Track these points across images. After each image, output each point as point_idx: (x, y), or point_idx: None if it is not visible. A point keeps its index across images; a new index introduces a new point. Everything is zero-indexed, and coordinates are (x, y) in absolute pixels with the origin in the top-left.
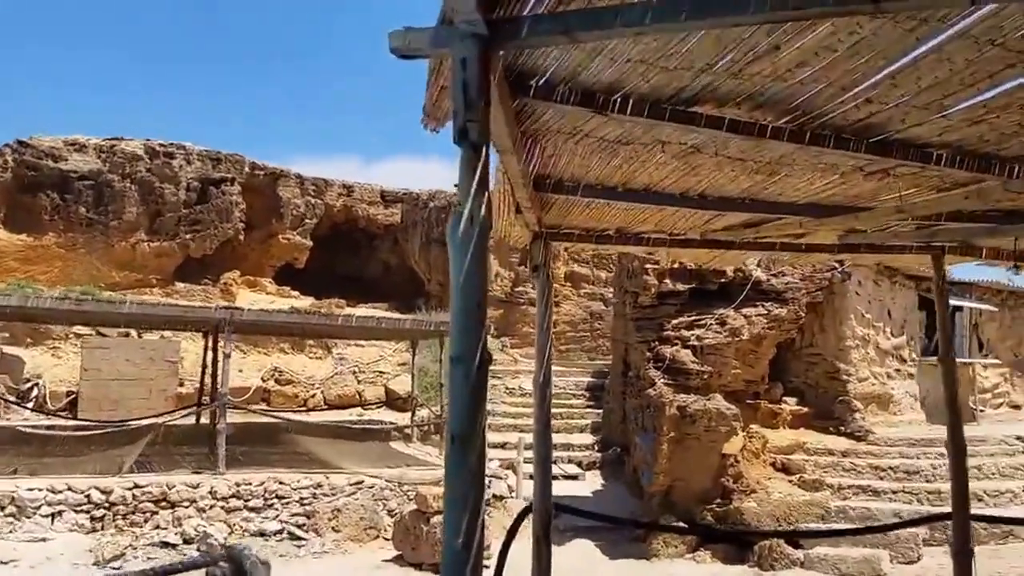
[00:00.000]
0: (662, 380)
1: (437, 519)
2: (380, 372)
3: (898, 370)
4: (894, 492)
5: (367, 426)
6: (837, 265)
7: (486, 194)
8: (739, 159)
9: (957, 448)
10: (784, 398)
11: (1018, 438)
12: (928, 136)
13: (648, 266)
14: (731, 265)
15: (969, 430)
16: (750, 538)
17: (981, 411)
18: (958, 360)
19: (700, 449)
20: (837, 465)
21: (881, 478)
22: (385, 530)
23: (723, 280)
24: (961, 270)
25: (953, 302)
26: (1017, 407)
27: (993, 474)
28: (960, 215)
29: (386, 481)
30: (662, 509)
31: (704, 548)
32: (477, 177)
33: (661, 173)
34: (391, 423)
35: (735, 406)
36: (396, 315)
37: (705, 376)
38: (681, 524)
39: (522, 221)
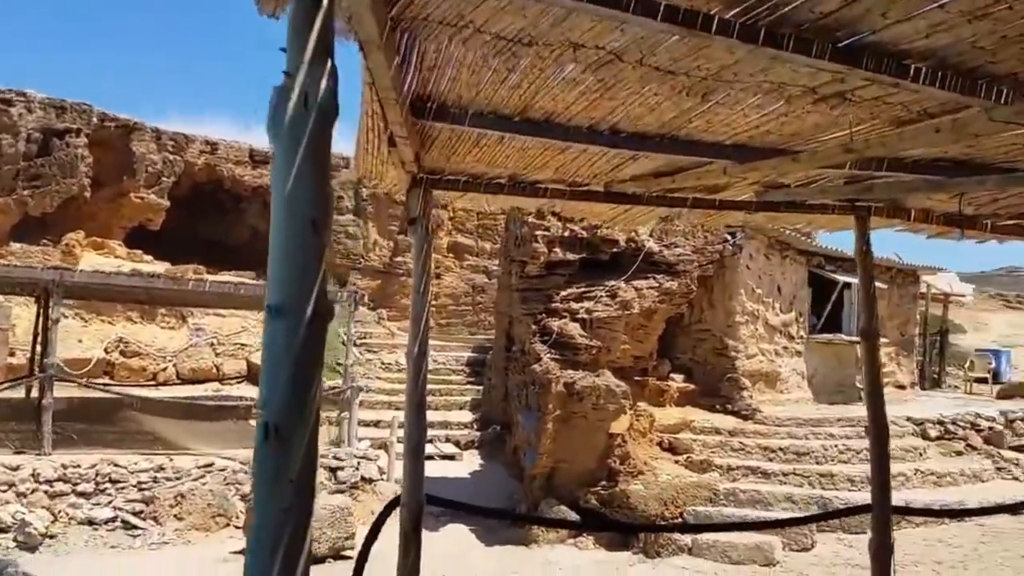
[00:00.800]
0: (549, 355)
1: None
2: (242, 344)
3: (786, 347)
4: (784, 474)
5: (224, 403)
6: (729, 237)
7: (329, 63)
8: (668, 71)
9: (879, 433)
10: (671, 375)
11: (908, 419)
12: (911, 38)
13: (538, 233)
14: (636, 225)
15: (856, 410)
16: (639, 527)
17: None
18: (846, 338)
19: (587, 428)
20: (725, 445)
21: (770, 459)
22: (236, 517)
23: (615, 250)
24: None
25: (843, 279)
26: (901, 387)
27: None
28: (902, 165)
29: (240, 463)
30: (544, 492)
31: (587, 533)
32: (315, 35)
33: (568, 97)
34: (252, 399)
35: (624, 383)
36: (261, 283)
37: (594, 351)
38: (562, 516)
39: (397, 159)
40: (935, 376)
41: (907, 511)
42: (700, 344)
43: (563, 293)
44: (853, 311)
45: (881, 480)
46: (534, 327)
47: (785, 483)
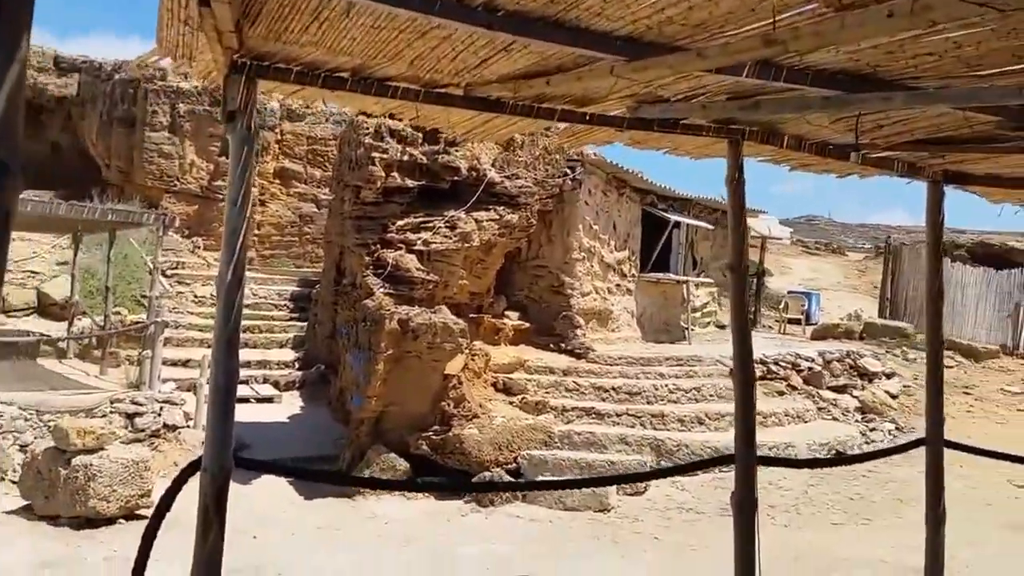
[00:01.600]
0: (382, 289)
1: (81, 460)
2: (32, 272)
3: (618, 285)
4: (618, 415)
5: (7, 338)
6: (569, 171)
7: None
8: None
9: (745, 378)
10: (506, 312)
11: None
12: None
13: (375, 155)
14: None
15: (682, 350)
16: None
17: (691, 330)
18: (674, 277)
19: (420, 369)
20: (559, 385)
21: (603, 399)
22: (13, 471)
23: (455, 179)
24: (684, 181)
25: (674, 218)
26: (722, 327)
27: (712, 396)
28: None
29: (20, 409)
30: (372, 437)
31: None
32: None
33: None
34: (43, 334)
35: (461, 321)
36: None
37: (431, 286)
38: (391, 464)
39: (212, 29)
40: (751, 317)
41: (772, 461)
42: (537, 281)
43: (400, 223)
44: (680, 251)
45: (746, 429)
46: (367, 259)
47: (618, 423)
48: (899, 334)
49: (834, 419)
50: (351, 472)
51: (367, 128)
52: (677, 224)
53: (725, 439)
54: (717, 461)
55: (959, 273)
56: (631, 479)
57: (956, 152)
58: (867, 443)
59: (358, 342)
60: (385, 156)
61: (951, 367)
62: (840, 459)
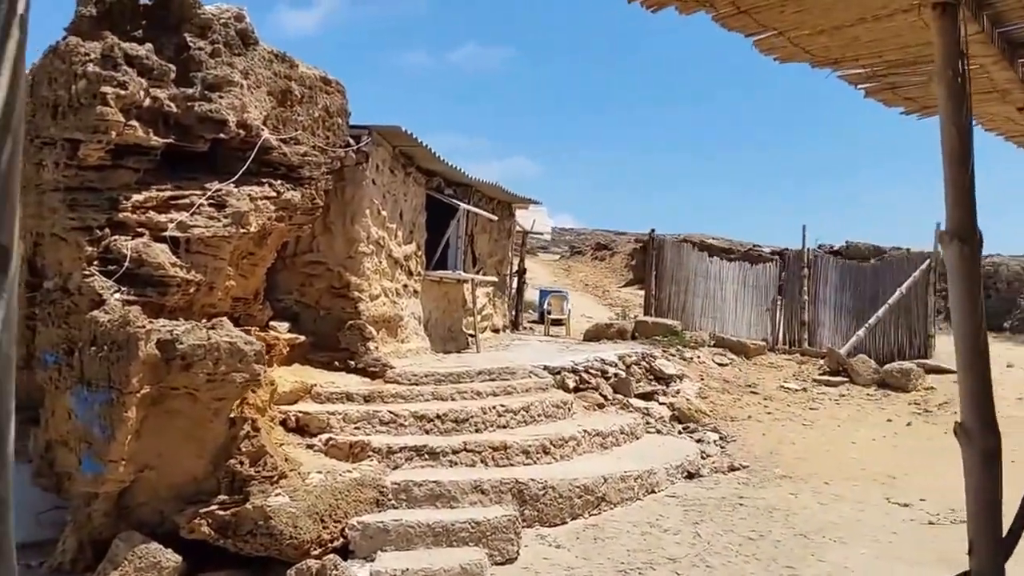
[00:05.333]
0: (118, 295)
1: None
2: None
3: (406, 286)
4: (455, 452)
5: None
6: (352, 141)
7: None
8: None
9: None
10: (272, 323)
11: (545, 368)
12: None
13: (108, 91)
14: None
15: (474, 360)
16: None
17: (476, 336)
18: (453, 276)
19: (196, 413)
20: (373, 417)
21: (429, 431)
22: None
23: (218, 137)
24: (470, 164)
25: (464, 206)
26: (497, 330)
27: (541, 416)
28: None
29: None
30: (114, 518)
31: (203, 573)
32: None
33: None
34: None
35: (255, 340)
36: None
37: (191, 289)
38: (150, 560)
39: None
40: (513, 319)
41: None
42: (311, 282)
43: (138, 197)
44: (461, 245)
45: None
46: (90, 249)
47: (457, 463)
48: (670, 332)
49: (658, 432)
50: (82, 568)
51: (88, 53)
52: (466, 212)
53: (583, 470)
54: None
55: (717, 268)
56: None
57: None
58: (704, 457)
59: (84, 377)
60: (123, 94)
61: (726, 365)
62: None
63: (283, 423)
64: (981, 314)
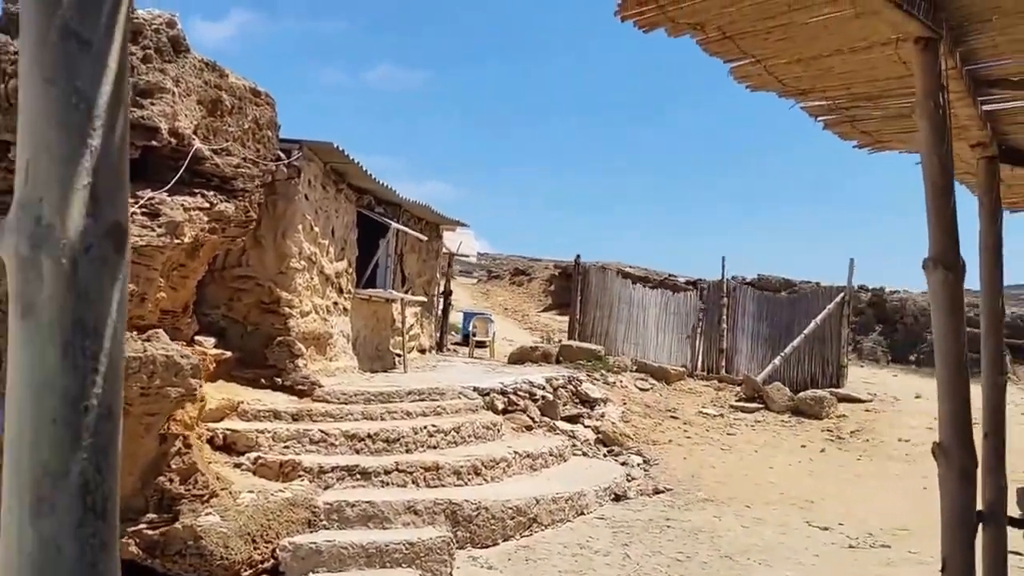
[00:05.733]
0: None
1: None
2: None
3: (336, 303)
4: (387, 472)
5: None
6: (283, 156)
7: None
8: None
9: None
10: (197, 337)
11: (475, 389)
12: None
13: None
14: None
15: (402, 380)
16: None
17: (404, 356)
18: (383, 294)
19: (127, 428)
20: (303, 436)
21: (360, 451)
22: None
23: (150, 144)
24: (400, 185)
25: (395, 224)
26: (423, 351)
27: (471, 437)
28: None
29: None
30: None
31: None
32: None
33: None
34: None
35: (191, 354)
36: None
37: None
38: None
39: None
40: (439, 340)
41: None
42: (240, 296)
43: None
44: (390, 263)
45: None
46: None
47: (389, 484)
48: (594, 356)
49: (584, 454)
50: None
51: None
52: (397, 232)
53: (515, 492)
54: None
55: (640, 294)
56: None
57: None
58: (630, 480)
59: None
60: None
61: (647, 390)
62: None
63: (210, 441)
64: (963, 340)
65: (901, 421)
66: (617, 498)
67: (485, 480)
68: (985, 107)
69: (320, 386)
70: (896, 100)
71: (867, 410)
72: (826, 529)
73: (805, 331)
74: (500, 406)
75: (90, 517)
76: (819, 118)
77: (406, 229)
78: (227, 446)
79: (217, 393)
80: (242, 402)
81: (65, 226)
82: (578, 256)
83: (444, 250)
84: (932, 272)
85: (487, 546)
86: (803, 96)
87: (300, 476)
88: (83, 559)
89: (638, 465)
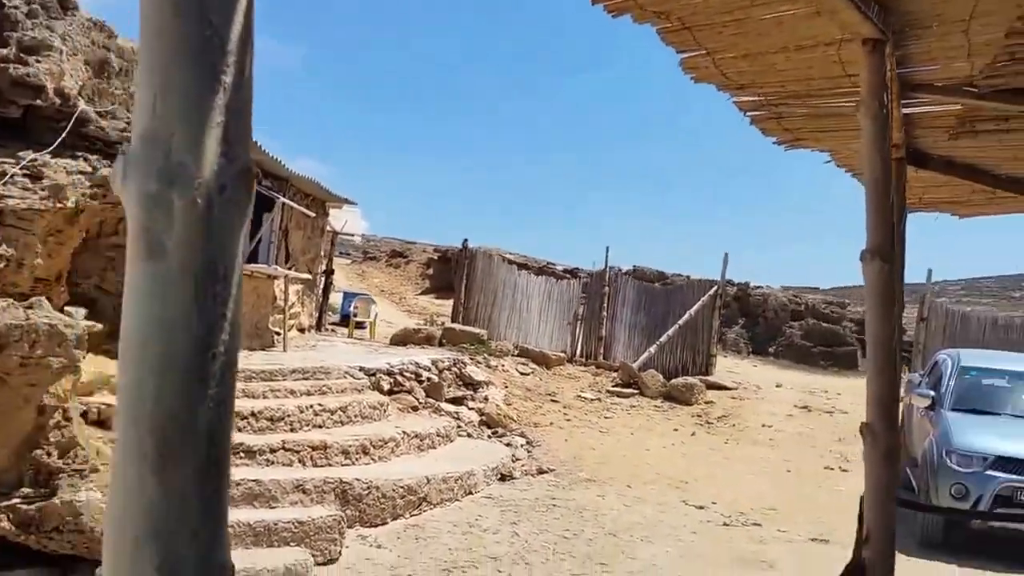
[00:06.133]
0: None
1: None
2: None
3: None
4: (272, 451)
5: None
6: None
7: None
8: None
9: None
10: (67, 308)
11: (361, 369)
12: None
13: None
14: None
15: (283, 358)
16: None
17: (285, 335)
18: (265, 270)
19: (3, 399)
20: None
21: (242, 428)
22: None
23: (32, 103)
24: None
25: (283, 199)
26: (303, 330)
27: (357, 417)
28: None
29: None
30: None
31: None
32: None
33: None
34: None
35: (78, 320)
36: None
37: (1, 264)
38: None
39: None
40: (318, 319)
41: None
42: (115, 266)
43: None
44: (274, 239)
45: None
46: None
47: (275, 462)
48: (477, 340)
49: (469, 436)
50: None
51: None
52: (284, 206)
53: (404, 471)
54: None
55: (524, 281)
56: None
57: None
58: (515, 460)
59: None
60: None
61: (528, 374)
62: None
63: (83, 415)
64: (895, 326)
65: (764, 408)
66: (503, 478)
67: (373, 460)
68: (905, 110)
69: None
70: (823, 100)
71: (733, 397)
72: (701, 508)
73: (680, 321)
74: (386, 387)
75: (213, 467)
76: (748, 113)
77: (293, 204)
78: (101, 421)
79: (88, 366)
80: (113, 376)
81: (199, 165)
82: (465, 240)
83: (328, 228)
84: (869, 263)
85: (376, 525)
86: (740, 90)
87: None
88: (207, 510)
89: (522, 446)
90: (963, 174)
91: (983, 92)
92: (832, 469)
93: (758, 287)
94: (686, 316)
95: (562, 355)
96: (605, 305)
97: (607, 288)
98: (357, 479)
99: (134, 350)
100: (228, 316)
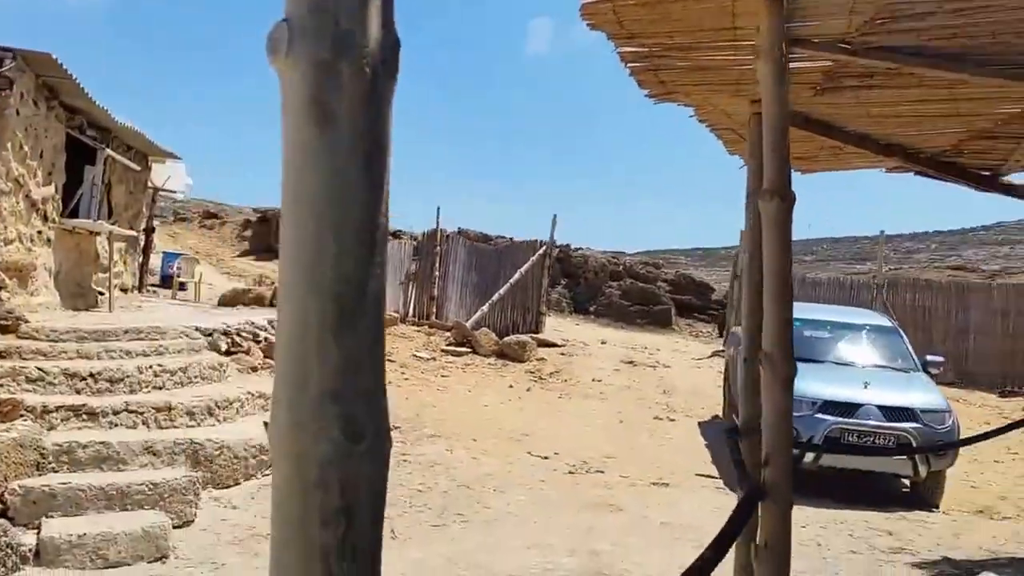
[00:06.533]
0: None
1: None
2: None
3: (40, 232)
4: (115, 413)
5: None
6: None
7: None
8: None
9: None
10: None
11: (197, 329)
12: None
13: None
14: None
15: (110, 318)
16: None
17: (110, 294)
18: (89, 226)
19: None
20: (18, 373)
21: (80, 390)
22: None
23: None
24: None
25: (108, 151)
26: (126, 290)
27: (197, 378)
28: None
29: None
30: None
31: None
32: None
33: None
34: None
35: None
36: None
37: None
38: None
39: None
40: (140, 279)
41: None
42: None
43: None
44: (96, 193)
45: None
46: None
47: (119, 424)
48: None
49: None
50: None
51: None
52: (108, 158)
53: (251, 432)
54: None
55: None
56: None
57: None
58: None
59: None
60: None
61: None
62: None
63: None
64: (789, 259)
65: (592, 364)
66: None
67: (219, 420)
68: None
69: (26, 321)
70: (703, 52)
71: (562, 354)
72: (545, 458)
73: (511, 280)
74: (224, 347)
75: (380, 335)
76: (629, 64)
77: (118, 156)
78: None
79: None
80: None
81: (364, 35)
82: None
83: (150, 184)
84: (768, 201)
85: (229, 486)
86: (629, 40)
87: (22, 416)
88: (376, 379)
89: None
90: (817, 130)
91: (856, 48)
92: (661, 419)
93: (578, 248)
94: (516, 275)
95: (395, 315)
96: (437, 265)
97: (439, 248)
98: (209, 439)
99: (302, 212)
100: (386, 189)
